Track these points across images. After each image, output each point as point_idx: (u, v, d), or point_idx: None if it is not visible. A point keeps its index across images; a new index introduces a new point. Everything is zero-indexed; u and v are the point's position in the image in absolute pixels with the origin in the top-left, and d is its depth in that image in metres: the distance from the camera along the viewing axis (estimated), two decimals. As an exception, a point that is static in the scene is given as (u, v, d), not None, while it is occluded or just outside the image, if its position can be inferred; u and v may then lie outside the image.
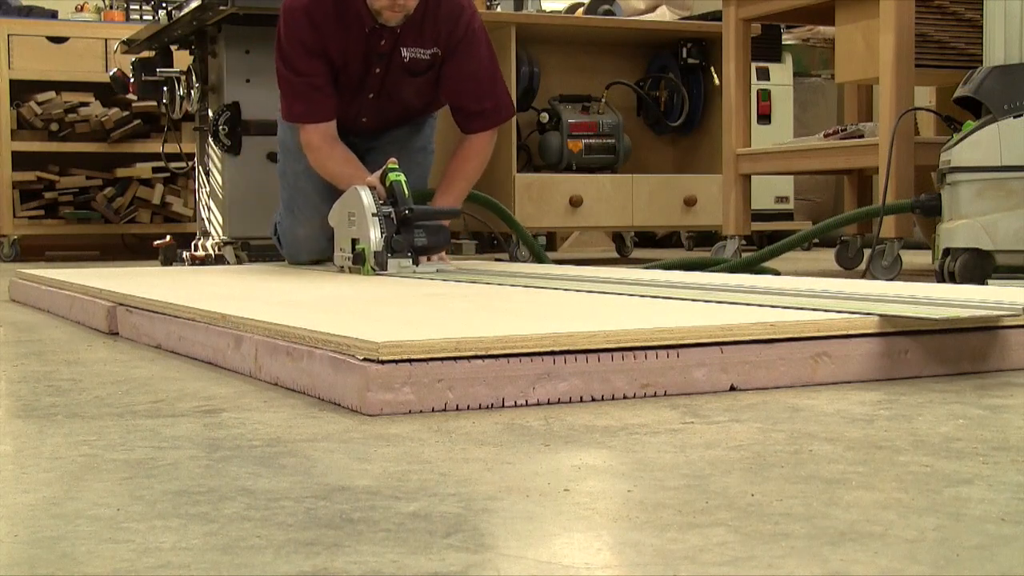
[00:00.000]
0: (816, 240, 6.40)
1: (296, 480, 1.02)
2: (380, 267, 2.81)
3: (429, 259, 2.99)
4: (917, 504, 0.91)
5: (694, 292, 2.02)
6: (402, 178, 2.91)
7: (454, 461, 1.08)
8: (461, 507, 0.92)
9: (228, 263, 4.25)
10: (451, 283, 2.46)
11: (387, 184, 2.92)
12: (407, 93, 3.33)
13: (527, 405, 1.38)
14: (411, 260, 2.85)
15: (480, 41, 3.21)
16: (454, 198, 3.24)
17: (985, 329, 1.62)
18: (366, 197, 2.87)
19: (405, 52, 3.18)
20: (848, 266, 4.37)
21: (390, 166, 2.94)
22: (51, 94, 6.17)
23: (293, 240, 3.48)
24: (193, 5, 4.20)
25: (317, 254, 3.46)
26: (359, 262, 2.85)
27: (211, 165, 4.57)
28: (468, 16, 3.19)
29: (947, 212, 3.05)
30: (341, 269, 3.00)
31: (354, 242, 2.91)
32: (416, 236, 2.88)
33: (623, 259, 5.93)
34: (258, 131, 4.35)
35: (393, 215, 2.87)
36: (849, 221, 3.77)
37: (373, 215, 2.85)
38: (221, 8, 4.08)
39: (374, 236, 2.83)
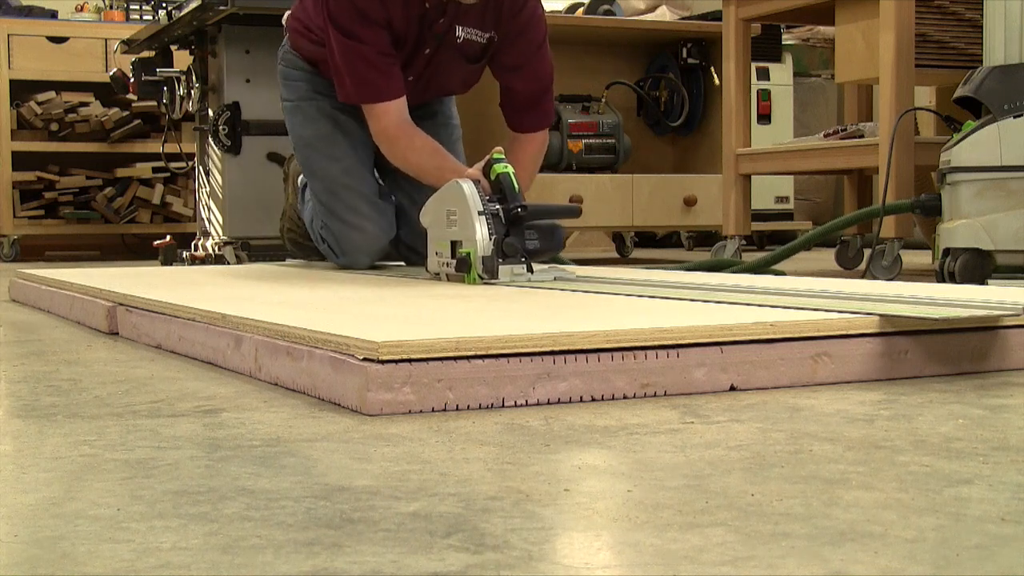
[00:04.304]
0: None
1: (296, 480, 1.02)
2: (489, 274, 2.40)
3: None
4: (917, 504, 0.91)
5: (694, 292, 2.02)
6: (510, 170, 2.50)
7: (454, 461, 1.08)
8: (461, 507, 0.92)
9: (228, 263, 4.25)
10: (449, 283, 2.46)
11: (492, 177, 2.50)
12: (452, 79, 3.00)
13: (527, 405, 1.38)
14: (525, 266, 2.43)
15: (542, 29, 2.91)
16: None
17: (985, 329, 1.62)
18: (470, 192, 2.45)
19: (460, 32, 2.84)
20: (848, 266, 4.37)
21: (495, 155, 2.53)
22: (51, 94, 6.17)
23: (352, 247, 3.08)
24: (193, 5, 4.21)
25: (380, 255, 3.14)
26: (463, 269, 2.42)
27: (211, 165, 4.58)
28: (534, 1, 2.88)
29: (947, 212, 3.05)
30: (436, 276, 2.57)
31: (454, 245, 2.49)
32: (527, 238, 2.46)
33: (623, 259, 5.93)
34: (258, 131, 4.36)
35: (501, 213, 2.45)
36: (854, 221, 3.77)
37: (479, 213, 2.43)
38: (221, 8, 4.09)
39: (482, 238, 2.41)
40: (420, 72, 2.92)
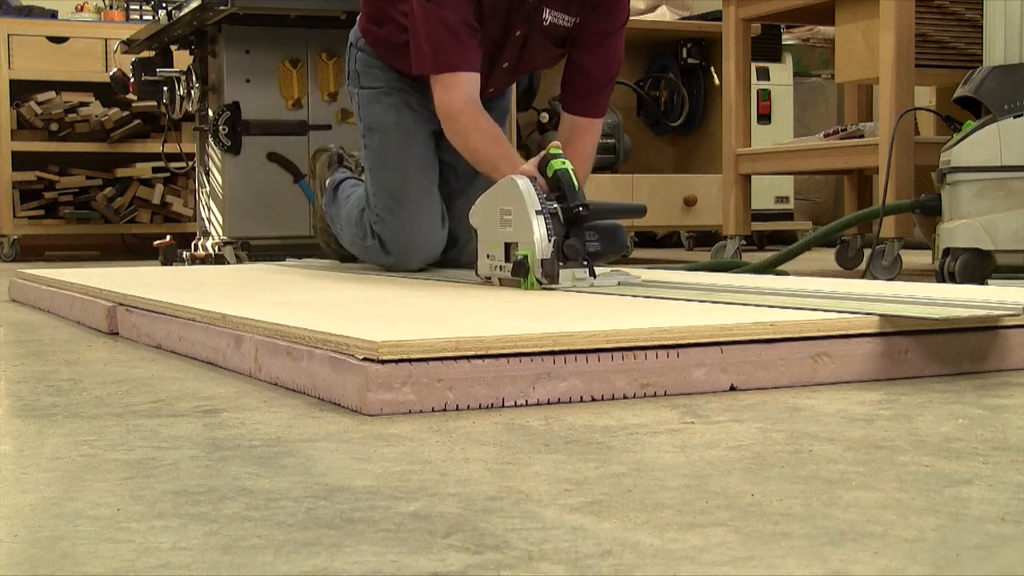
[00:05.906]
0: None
1: (296, 480, 1.02)
2: (549, 279, 2.19)
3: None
4: (917, 504, 0.91)
5: (694, 292, 2.02)
6: (569, 166, 2.29)
7: (454, 461, 1.08)
8: (461, 507, 0.92)
9: (228, 263, 4.25)
10: (449, 284, 2.46)
11: (549, 174, 2.29)
12: (540, 63, 2.89)
13: (527, 405, 1.38)
14: (587, 270, 2.23)
15: (626, 11, 2.80)
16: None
17: (985, 329, 1.62)
18: (526, 189, 2.25)
19: (547, 15, 2.73)
20: (848, 266, 4.37)
21: (552, 151, 2.33)
22: (51, 94, 6.17)
23: (407, 246, 2.89)
24: (193, 5, 4.21)
25: (434, 254, 2.93)
26: (520, 273, 2.22)
27: (211, 165, 4.58)
28: None
29: (947, 212, 3.05)
30: (487, 280, 2.37)
31: (508, 247, 2.29)
32: (588, 239, 2.26)
33: (623, 259, 5.93)
34: (258, 131, 4.36)
35: (560, 213, 2.24)
36: (856, 222, 3.78)
37: (537, 212, 2.22)
38: (221, 8, 4.09)
39: (540, 239, 2.20)
40: (512, 58, 2.82)
